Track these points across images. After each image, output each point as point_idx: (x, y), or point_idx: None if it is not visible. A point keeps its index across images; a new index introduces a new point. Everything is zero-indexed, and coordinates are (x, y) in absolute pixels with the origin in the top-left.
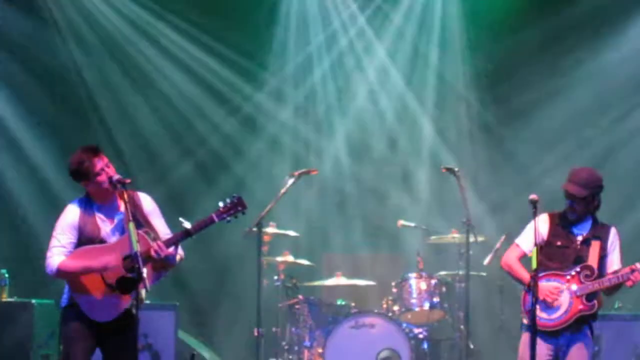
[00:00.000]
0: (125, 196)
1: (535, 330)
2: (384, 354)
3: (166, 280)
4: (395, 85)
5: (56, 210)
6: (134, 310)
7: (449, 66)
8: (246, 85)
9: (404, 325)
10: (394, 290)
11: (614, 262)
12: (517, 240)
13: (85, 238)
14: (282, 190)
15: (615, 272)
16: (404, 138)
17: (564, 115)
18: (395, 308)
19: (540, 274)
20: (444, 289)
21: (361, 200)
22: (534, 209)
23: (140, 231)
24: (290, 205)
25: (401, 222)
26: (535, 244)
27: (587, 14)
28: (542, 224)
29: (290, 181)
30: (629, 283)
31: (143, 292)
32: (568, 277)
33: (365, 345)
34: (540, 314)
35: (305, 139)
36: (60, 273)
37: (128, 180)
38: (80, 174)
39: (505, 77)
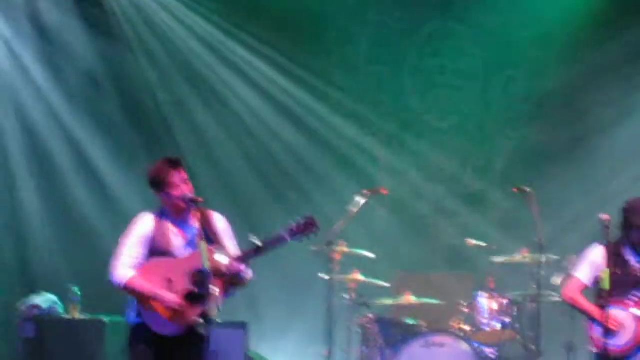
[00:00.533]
0: (199, 213)
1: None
2: None
3: (236, 299)
4: (469, 102)
5: (125, 226)
6: (201, 329)
7: (523, 84)
8: (316, 103)
9: (475, 344)
10: (465, 309)
11: None
12: (575, 273)
13: (156, 251)
14: (354, 209)
15: None
16: (475, 156)
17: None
18: (466, 327)
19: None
20: (515, 309)
21: (431, 219)
22: (605, 228)
23: (211, 247)
24: (360, 223)
25: (472, 241)
26: (608, 265)
27: None
28: (598, 256)
29: (362, 200)
30: None
31: (214, 310)
32: (631, 303)
33: None
34: (608, 342)
35: (375, 156)
36: (127, 289)
37: (200, 199)
38: (155, 184)
39: (579, 95)
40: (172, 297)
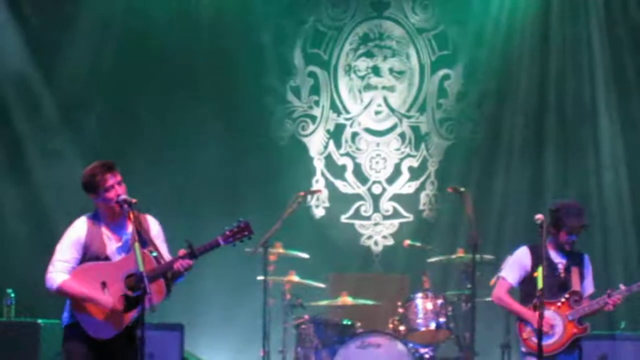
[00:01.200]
0: (132, 215)
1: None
2: None
3: (172, 301)
4: (402, 102)
5: (60, 231)
6: (138, 332)
7: (456, 84)
8: (251, 104)
9: (410, 345)
10: (400, 310)
11: (588, 286)
12: (503, 274)
13: (90, 255)
14: (288, 210)
15: (590, 295)
16: (410, 157)
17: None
18: (402, 328)
19: (531, 305)
20: (450, 308)
21: (368, 219)
22: (541, 229)
23: (145, 250)
24: (296, 224)
25: (408, 241)
26: (541, 264)
27: None
28: (524, 257)
29: (296, 201)
30: (608, 307)
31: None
32: (559, 304)
33: None
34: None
35: (311, 158)
36: (61, 292)
37: (134, 200)
38: (89, 187)
39: (514, 95)
40: (105, 299)
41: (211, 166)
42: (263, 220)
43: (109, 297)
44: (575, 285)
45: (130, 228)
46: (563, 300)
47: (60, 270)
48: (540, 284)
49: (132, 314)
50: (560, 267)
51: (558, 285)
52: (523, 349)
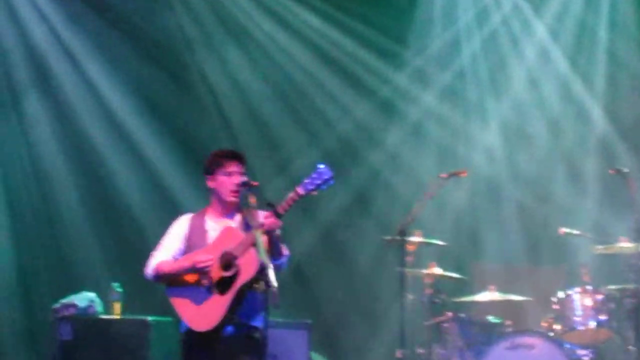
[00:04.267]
0: (245, 211)
1: None
2: None
3: (296, 296)
4: (558, 66)
5: (172, 217)
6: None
7: (622, 44)
8: (384, 65)
9: (567, 346)
10: (556, 306)
11: None
12: None
13: (193, 246)
14: (429, 194)
15: None
16: (569, 128)
17: None
18: (557, 327)
19: None
20: (612, 305)
21: (518, 201)
22: None
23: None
24: (436, 208)
25: (564, 229)
26: None
27: None
28: None
29: (438, 184)
30: None
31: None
32: None
33: None
34: None
35: (453, 127)
36: (159, 274)
37: (255, 183)
38: (209, 167)
39: None
40: (204, 255)
41: (338, 132)
42: (400, 201)
43: (207, 255)
44: None
45: (237, 218)
46: None
47: (159, 257)
48: None
49: (228, 297)
50: None
51: None
52: None
